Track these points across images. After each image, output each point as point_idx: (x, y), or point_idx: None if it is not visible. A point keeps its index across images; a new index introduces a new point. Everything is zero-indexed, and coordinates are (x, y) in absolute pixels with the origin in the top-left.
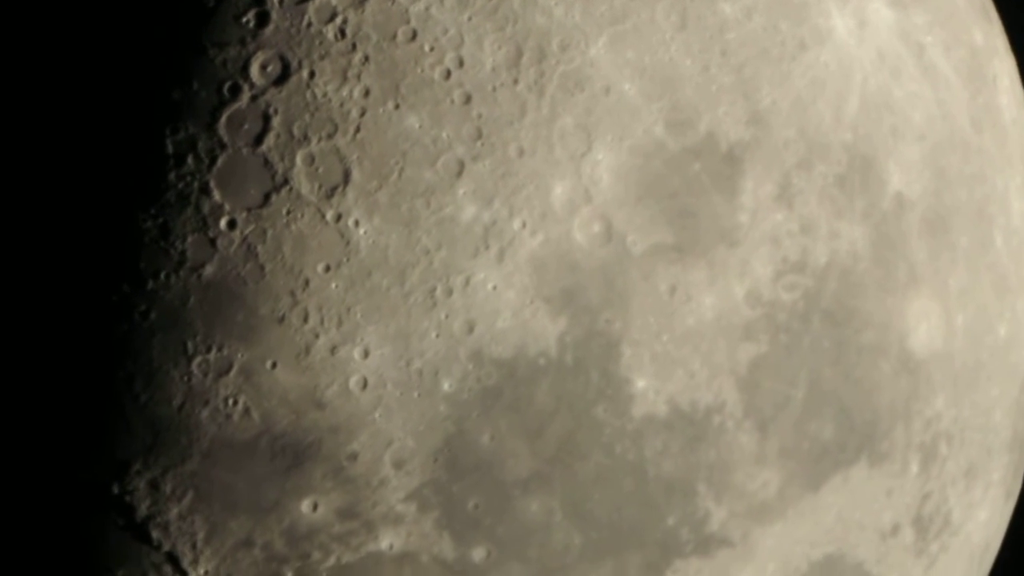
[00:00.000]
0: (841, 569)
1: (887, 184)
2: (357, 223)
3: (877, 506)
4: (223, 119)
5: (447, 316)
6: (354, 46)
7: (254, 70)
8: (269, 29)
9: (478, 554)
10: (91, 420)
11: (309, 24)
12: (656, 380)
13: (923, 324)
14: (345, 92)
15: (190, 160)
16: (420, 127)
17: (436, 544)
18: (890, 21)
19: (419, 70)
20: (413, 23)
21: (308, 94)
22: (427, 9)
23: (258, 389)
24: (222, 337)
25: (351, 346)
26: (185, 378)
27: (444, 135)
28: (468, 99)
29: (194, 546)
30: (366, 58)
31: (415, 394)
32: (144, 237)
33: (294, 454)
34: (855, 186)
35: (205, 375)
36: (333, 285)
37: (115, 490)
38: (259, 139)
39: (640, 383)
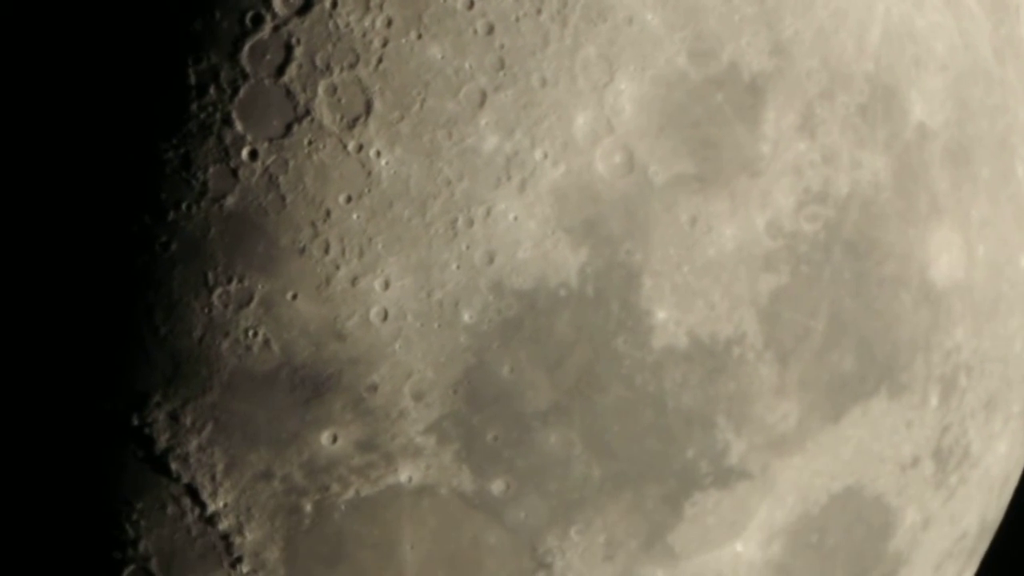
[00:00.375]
0: (860, 501)
1: (909, 114)
2: (379, 154)
3: (897, 438)
4: (245, 49)
5: (468, 247)
6: None
7: (276, 0)
8: None
9: (497, 487)
10: (111, 351)
11: None
12: (676, 311)
13: (944, 255)
14: (367, 22)
15: (212, 90)
16: (442, 57)
17: (455, 477)
18: None
19: (442, 0)
20: None
21: (331, 24)
22: None
23: (278, 320)
24: (243, 268)
25: (372, 277)
26: (205, 309)
27: (466, 65)
28: (491, 29)
29: (213, 478)
30: None
31: (435, 325)
32: (165, 168)
33: (314, 386)
34: (877, 116)
35: (225, 306)
36: (354, 216)
37: (134, 422)
38: (281, 69)
39: (660, 314)
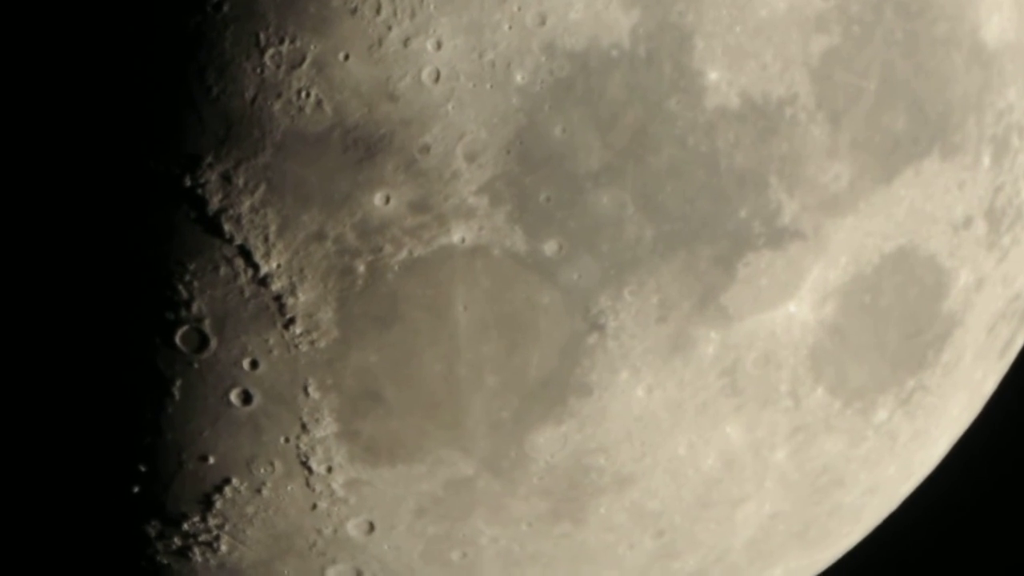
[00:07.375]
0: (913, 261)
1: None
2: None
3: (949, 198)
4: None
5: (520, 8)
6: None
7: None
8: None
9: (550, 247)
10: (163, 112)
11: None
12: (729, 72)
13: (995, 15)
14: None
15: None
16: None
17: (508, 237)
18: None
19: None
20: None
21: None
22: None
23: (330, 81)
24: (295, 28)
25: (424, 38)
26: (258, 70)
27: None
28: None
29: (266, 239)
30: None
31: (488, 86)
32: None
33: (366, 146)
34: None
35: (278, 67)
36: None
37: (187, 183)
38: None
39: (712, 75)
